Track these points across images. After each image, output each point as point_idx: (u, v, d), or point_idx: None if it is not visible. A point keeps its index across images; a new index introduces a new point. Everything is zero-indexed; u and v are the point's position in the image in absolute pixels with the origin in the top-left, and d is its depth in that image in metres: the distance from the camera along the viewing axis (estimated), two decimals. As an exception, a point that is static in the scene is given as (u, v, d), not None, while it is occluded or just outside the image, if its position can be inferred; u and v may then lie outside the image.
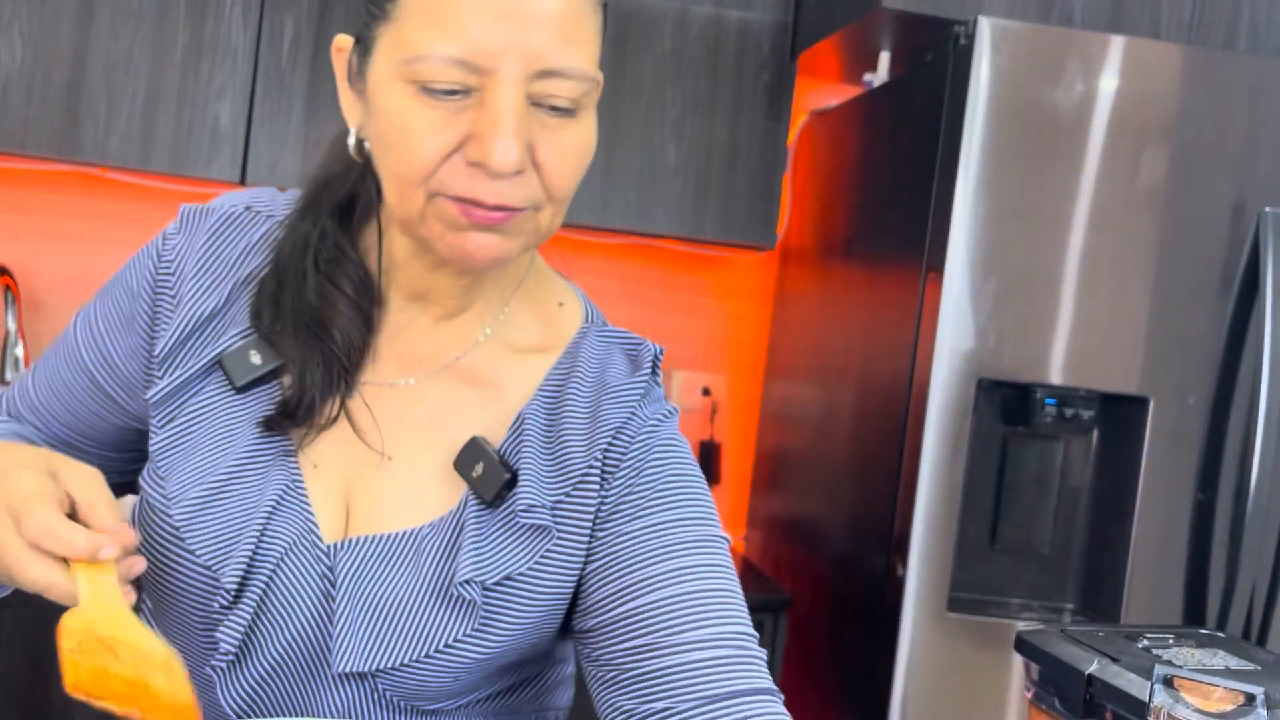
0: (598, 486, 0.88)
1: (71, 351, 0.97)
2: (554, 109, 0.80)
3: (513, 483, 0.87)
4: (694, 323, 2.81)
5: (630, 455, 0.89)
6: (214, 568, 0.85)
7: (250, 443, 0.89)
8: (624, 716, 0.84)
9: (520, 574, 0.86)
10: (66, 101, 2.18)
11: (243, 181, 2.26)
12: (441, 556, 0.87)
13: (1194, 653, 0.74)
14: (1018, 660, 1.88)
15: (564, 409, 0.90)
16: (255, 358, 0.89)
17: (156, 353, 0.90)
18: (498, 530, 0.87)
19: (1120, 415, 1.91)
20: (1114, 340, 1.87)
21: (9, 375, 2.35)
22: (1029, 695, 0.77)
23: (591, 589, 0.88)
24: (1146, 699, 0.65)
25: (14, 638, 1.96)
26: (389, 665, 0.84)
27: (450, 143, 0.78)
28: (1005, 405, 1.90)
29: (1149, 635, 0.75)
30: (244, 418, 0.90)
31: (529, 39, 0.77)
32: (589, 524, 0.88)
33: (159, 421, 0.90)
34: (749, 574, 2.44)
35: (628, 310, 2.77)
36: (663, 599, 0.84)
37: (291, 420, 0.88)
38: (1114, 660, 0.71)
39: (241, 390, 0.89)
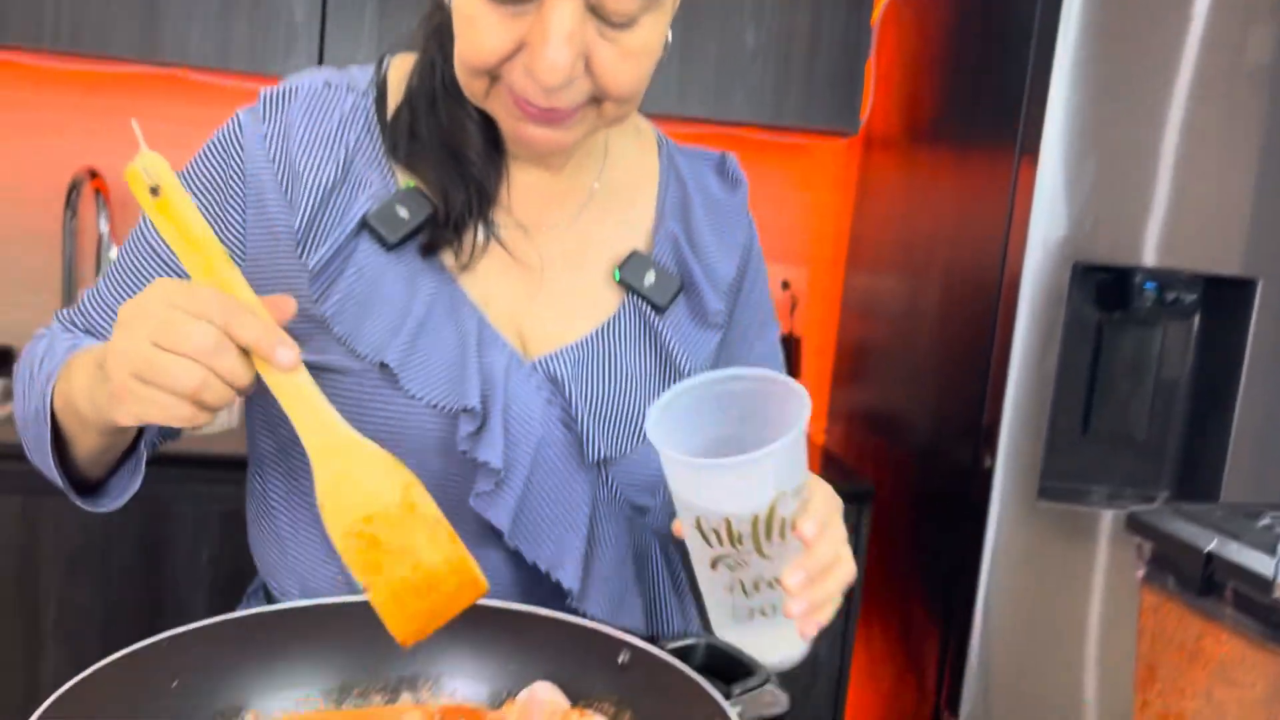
0: (737, 294, 1.05)
1: (153, 252, 0.96)
2: (612, 23, 0.82)
3: (681, 288, 0.99)
4: (773, 214, 2.76)
5: (749, 269, 1.07)
6: (442, 405, 0.90)
7: (427, 292, 0.92)
8: None
9: (703, 363, 1.01)
10: (144, 3, 2.18)
11: (319, 78, 2.25)
12: (634, 349, 0.98)
13: (1317, 531, 0.71)
14: (1105, 550, 1.86)
15: (692, 225, 1.03)
16: (402, 212, 0.92)
17: (294, 229, 0.91)
18: (670, 332, 0.99)
19: (1224, 298, 1.84)
20: (1217, 220, 1.79)
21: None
22: (1140, 575, 0.76)
23: None
24: (1272, 575, 0.63)
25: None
26: (630, 448, 0.95)
27: (507, 45, 0.82)
28: (1101, 290, 1.84)
29: (1271, 514, 0.73)
30: (405, 272, 0.93)
31: None
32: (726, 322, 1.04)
33: (316, 295, 0.91)
34: (830, 465, 2.44)
35: (706, 203, 2.73)
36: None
37: (442, 237, 0.92)
38: (1234, 538, 0.69)
39: (394, 248, 0.92)
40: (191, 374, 0.70)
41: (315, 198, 0.91)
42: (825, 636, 2.25)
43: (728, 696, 0.76)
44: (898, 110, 2.48)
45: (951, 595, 1.98)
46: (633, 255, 0.99)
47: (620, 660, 0.85)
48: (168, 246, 0.93)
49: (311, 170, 0.91)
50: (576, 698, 0.87)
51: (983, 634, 1.90)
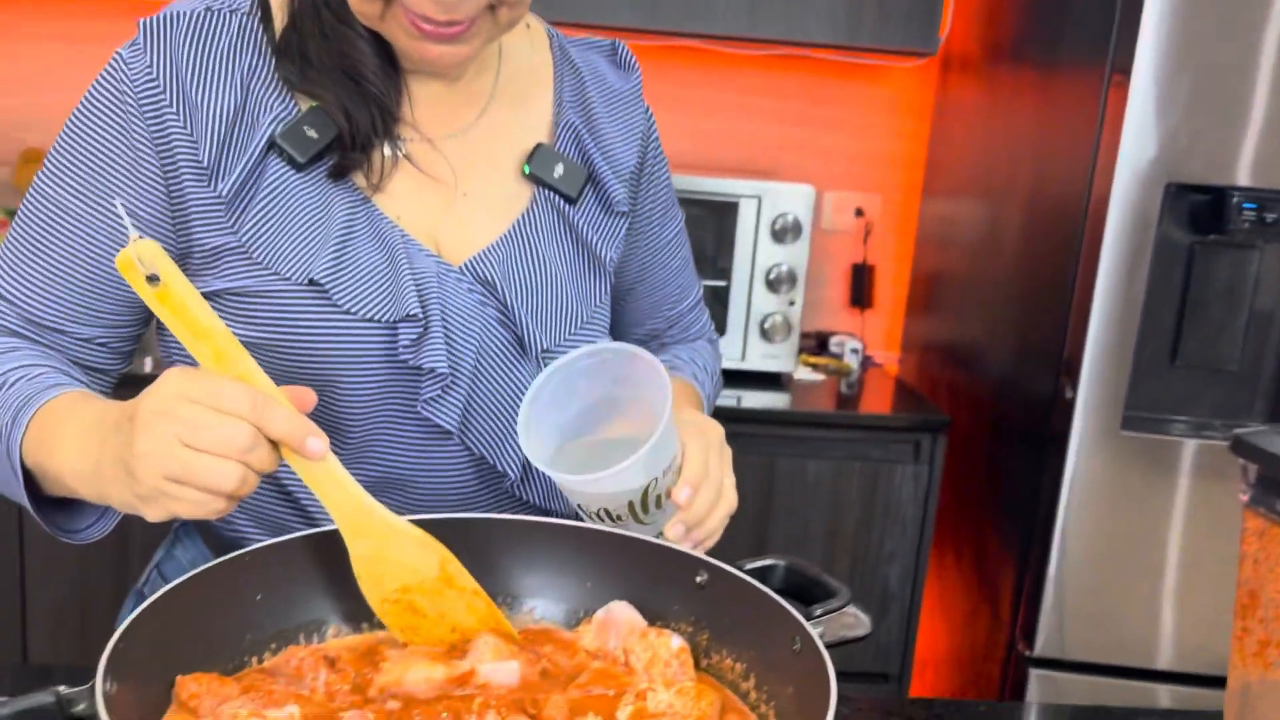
0: (639, 182, 1.08)
1: (61, 226, 0.90)
2: None
3: (589, 178, 1.02)
4: (846, 139, 2.69)
5: (648, 156, 1.09)
6: (381, 317, 0.91)
7: (343, 212, 0.92)
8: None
9: (615, 253, 1.05)
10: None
11: None
12: (552, 240, 1.00)
13: None
14: (1187, 482, 1.81)
15: (591, 114, 1.04)
16: (310, 131, 0.91)
17: (200, 161, 0.89)
18: (583, 221, 1.02)
19: (1325, 222, 1.75)
20: (1322, 140, 1.70)
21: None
22: (1244, 499, 0.73)
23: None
24: (1391, 498, 0.60)
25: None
26: (565, 337, 0.99)
27: None
28: (1195, 212, 1.76)
29: (1386, 435, 0.69)
30: (318, 195, 0.92)
31: None
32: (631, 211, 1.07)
33: (230, 222, 0.90)
34: (904, 395, 2.40)
35: (776, 127, 2.67)
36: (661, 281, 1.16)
37: (351, 160, 0.92)
38: (1348, 460, 0.65)
39: (303, 169, 0.91)
40: (231, 474, 0.70)
41: (218, 127, 0.89)
42: (896, 566, 2.24)
43: (808, 618, 0.75)
44: (977, 29, 2.39)
45: (1029, 526, 1.95)
46: (538, 149, 1.01)
47: (698, 580, 0.85)
48: (92, 219, 0.89)
49: (209, 100, 0.89)
50: (653, 618, 0.87)
51: (1059, 565, 1.87)
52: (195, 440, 0.69)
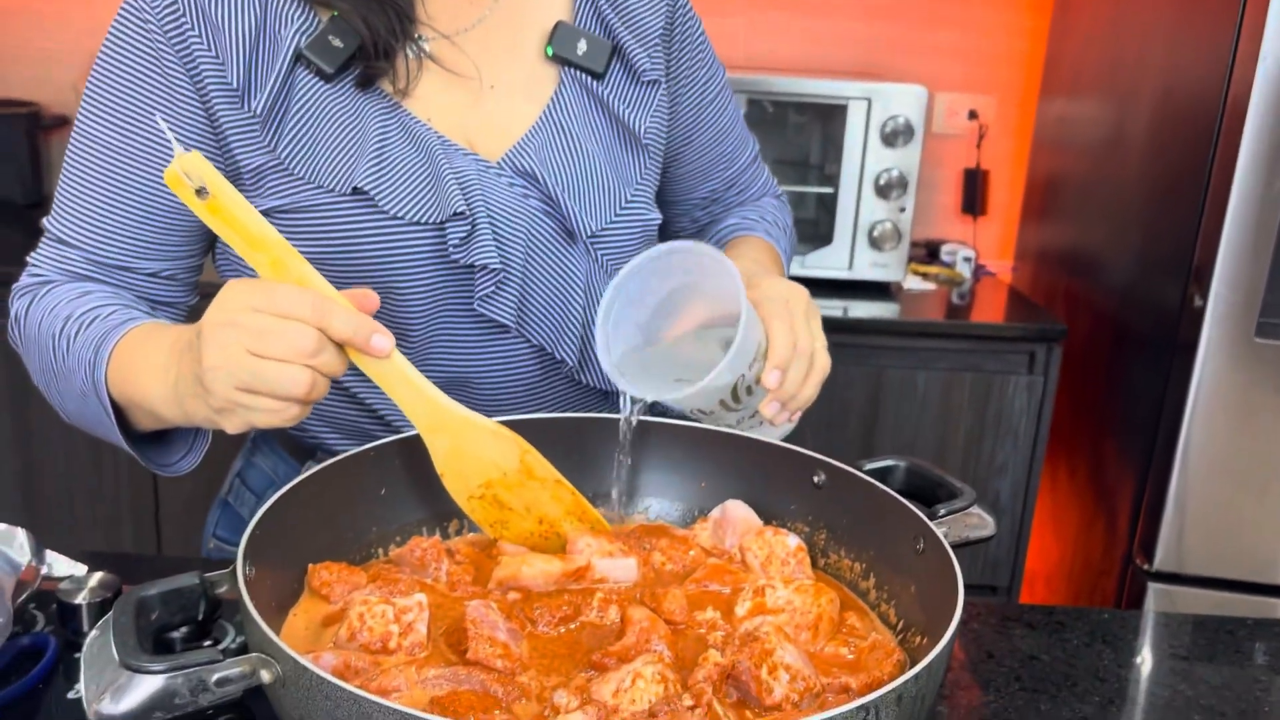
0: (669, 44, 1.05)
1: (108, 162, 0.91)
2: None
3: (614, 50, 1.00)
4: (959, 38, 2.57)
5: (678, 16, 1.05)
6: (427, 218, 0.91)
7: (375, 116, 0.92)
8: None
9: (653, 123, 1.02)
10: None
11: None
12: (584, 120, 0.99)
13: None
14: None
15: None
16: (335, 41, 0.90)
17: (230, 82, 0.88)
18: (613, 96, 1.00)
19: None
20: None
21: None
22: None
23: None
24: None
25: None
26: (612, 219, 0.98)
27: None
28: (1345, 107, 1.64)
29: None
30: (349, 105, 0.92)
31: None
32: (664, 76, 1.04)
33: (266, 141, 0.90)
34: (1018, 304, 2.33)
35: (886, 26, 2.57)
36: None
37: (376, 68, 0.91)
38: None
39: (332, 79, 0.91)
40: (300, 378, 0.70)
41: (242, 45, 0.88)
42: (1007, 478, 2.20)
43: (932, 518, 0.73)
44: (1108, -86, 2.24)
45: (1150, 438, 1.88)
46: (559, 27, 0.99)
47: (816, 480, 0.84)
48: (142, 148, 0.89)
49: (229, 19, 0.88)
50: (769, 517, 0.86)
51: (1181, 477, 1.81)
52: (261, 348, 0.69)
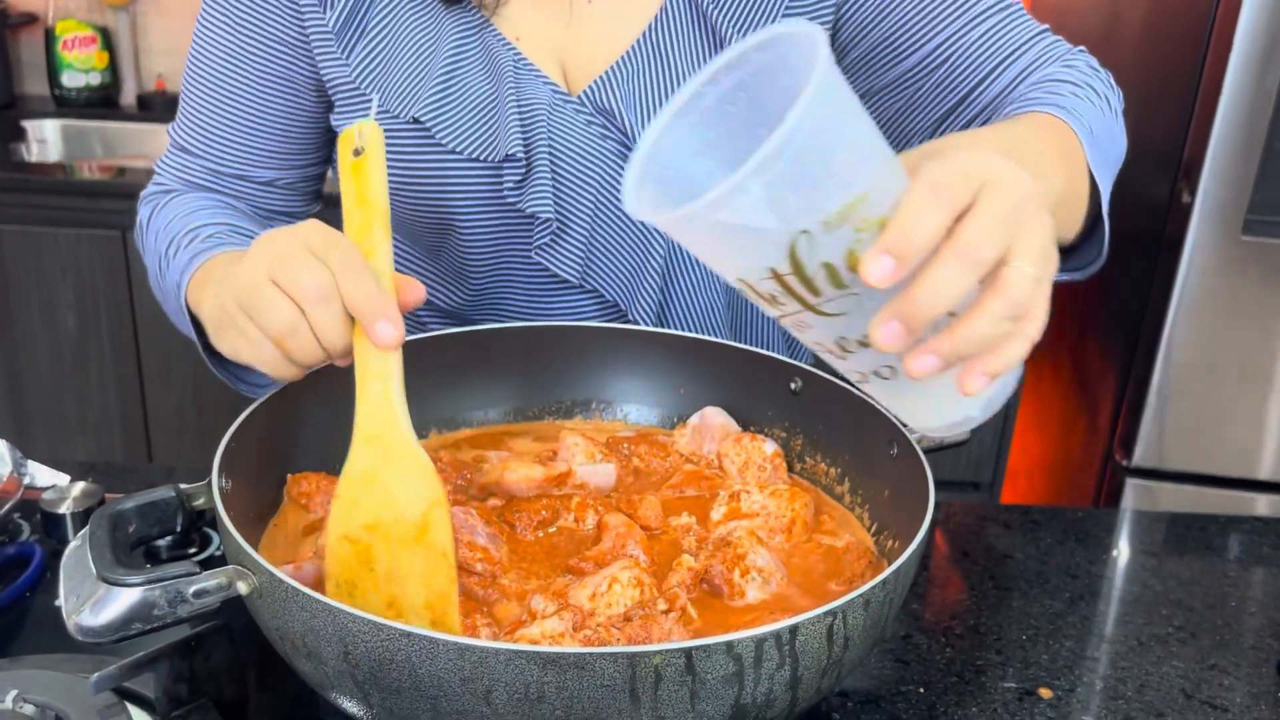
0: None
1: (226, 71, 0.91)
2: None
3: None
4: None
5: None
6: (482, 155, 0.86)
7: (453, 35, 0.87)
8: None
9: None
10: None
11: None
12: (686, 47, 0.86)
13: None
14: (1310, 292, 1.72)
15: None
16: None
17: None
18: (721, 15, 0.85)
19: None
20: None
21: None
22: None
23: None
24: None
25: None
26: None
27: None
28: (1343, -4, 1.61)
29: None
30: (430, 20, 0.87)
31: None
32: None
33: (344, 51, 0.87)
34: (1007, 203, 2.31)
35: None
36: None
37: None
38: None
39: None
40: (285, 315, 0.63)
41: None
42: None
43: (905, 424, 0.74)
44: None
45: (1133, 335, 1.89)
46: None
47: (792, 387, 0.84)
48: (253, 46, 0.87)
49: None
50: (747, 424, 0.87)
51: (1164, 373, 1.82)
52: (277, 274, 0.64)
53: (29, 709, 0.64)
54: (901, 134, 0.90)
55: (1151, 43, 1.91)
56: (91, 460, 1.04)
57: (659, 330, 0.90)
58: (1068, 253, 0.81)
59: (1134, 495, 1.90)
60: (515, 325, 0.89)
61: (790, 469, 0.84)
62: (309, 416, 0.80)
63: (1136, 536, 0.98)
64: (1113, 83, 0.86)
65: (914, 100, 0.88)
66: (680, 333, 0.89)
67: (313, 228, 0.65)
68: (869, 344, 0.51)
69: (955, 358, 0.51)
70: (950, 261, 0.48)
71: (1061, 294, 2.36)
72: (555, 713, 0.51)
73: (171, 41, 2.56)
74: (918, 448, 0.70)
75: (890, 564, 0.58)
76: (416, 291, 0.66)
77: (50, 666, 0.68)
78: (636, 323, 0.93)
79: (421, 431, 0.87)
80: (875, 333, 0.50)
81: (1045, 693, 0.75)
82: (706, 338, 0.89)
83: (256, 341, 0.65)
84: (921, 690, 0.75)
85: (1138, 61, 1.96)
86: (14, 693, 0.65)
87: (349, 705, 0.57)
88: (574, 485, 0.80)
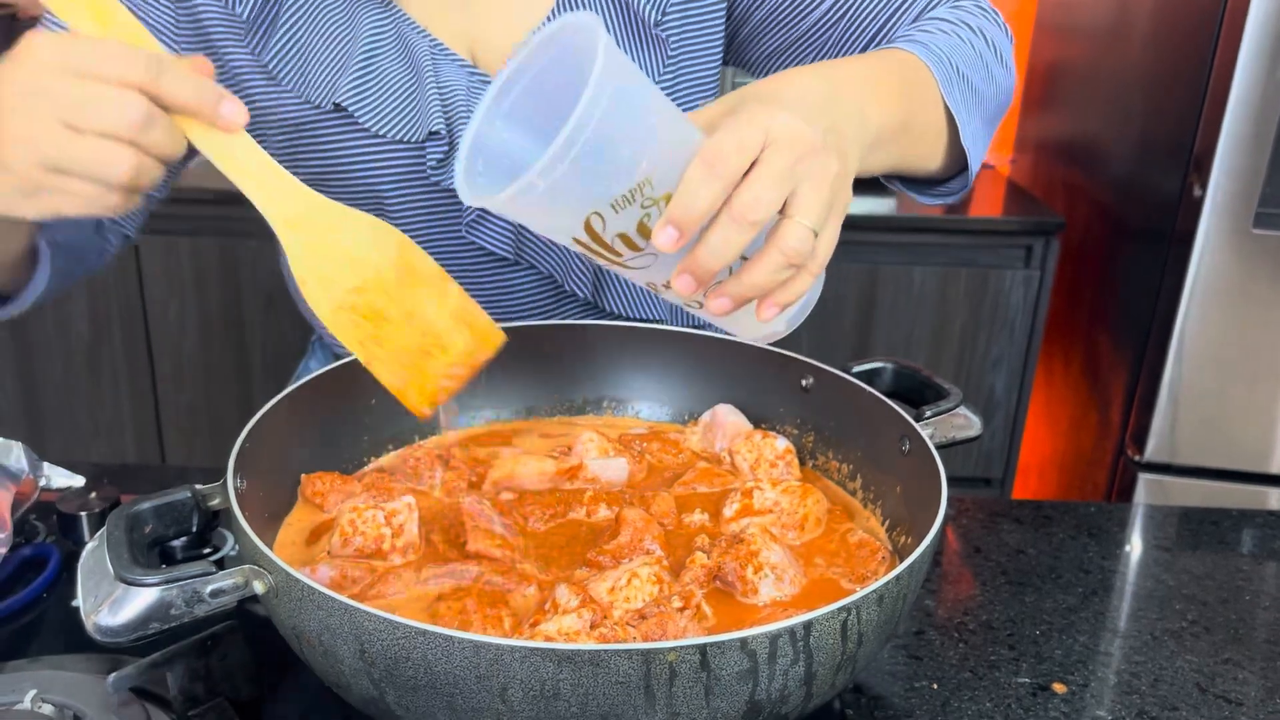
0: None
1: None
2: None
3: None
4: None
5: None
6: (405, 136, 0.87)
7: (369, 26, 0.87)
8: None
9: (675, 10, 0.87)
10: None
11: None
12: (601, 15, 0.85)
13: None
14: (1322, 285, 1.71)
15: None
16: None
17: None
18: None
19: None
20: None
21: None
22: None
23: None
24: None
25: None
26: None
27: None
28: (1354, -12, 1.60)
29: None
30: (342, 8, 0.87)
31: None
32: None
33: (257, 45, 0.86)
34: (1016, 197, 2.30)
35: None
36: None
37: None
38: None
39: None
40: (121, 158, 0.58)
41: None
42: (1002, 371, 2.21)
43: (918, 419, 0.74)
44: None
45: (1145, 330, 1.89)
46: None
47: (804, 384, 0.84)
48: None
49: None
50: (758, 421, 0.87)
51: (1175, 368, 1.82)
52: (78, 119, 0.58)
53: (47, 709, 0.65)
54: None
55: (1162, 35, 1.91)
56: (106, 462, 1.05)
57: (670, 328, 0.90)
58: (936, 180, 0.86)
59: (1146, 490, 1.89)
60: (526, 324, 0.89)
61: (802, 466, 0.84)
62: (322, 417, 0.80)
63: (1149, 531, 0.98)
64: (1002, 22, 0.90)
65: (825, 52, 0.91)
66: (691, 330, 0.90)
67: (68, 49, 0.58)
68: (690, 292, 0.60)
69: (744, 300, 0.60)
70: (726, 224, 0.56)
71: (1073, 289, 2.36)
72: (570, 709, 0.51)
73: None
74: (930, 444, 0.70)
75: (903, 560, 0.58)
76: (205, 64, 0.63)
77: (68, 666, 0.69)
78: (573, 295, 0.95)
79: (434, 429, 0.88)
80: (674, 283, 0.59)
81: (1059, 688, 0.75)
82: (718, 335, 0.89)
83: (91, 194, 0.60)
84: (935, 686, 0.75)
85: (1148, 54, 1.95)
86: (33, 692, 0.65)
87: (365, 703, 0.57)
88: (585, 479, 0.81)
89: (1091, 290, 2.18)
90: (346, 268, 0.67)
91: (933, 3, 0.89)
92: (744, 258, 0.59)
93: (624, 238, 0.59)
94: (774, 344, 0.77)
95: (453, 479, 0.81)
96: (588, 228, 0.58)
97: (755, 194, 0.55)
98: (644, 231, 0.58)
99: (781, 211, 0.57)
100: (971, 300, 2.16)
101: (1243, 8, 1.62)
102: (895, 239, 2.14)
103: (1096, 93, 2.17)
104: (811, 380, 0.84)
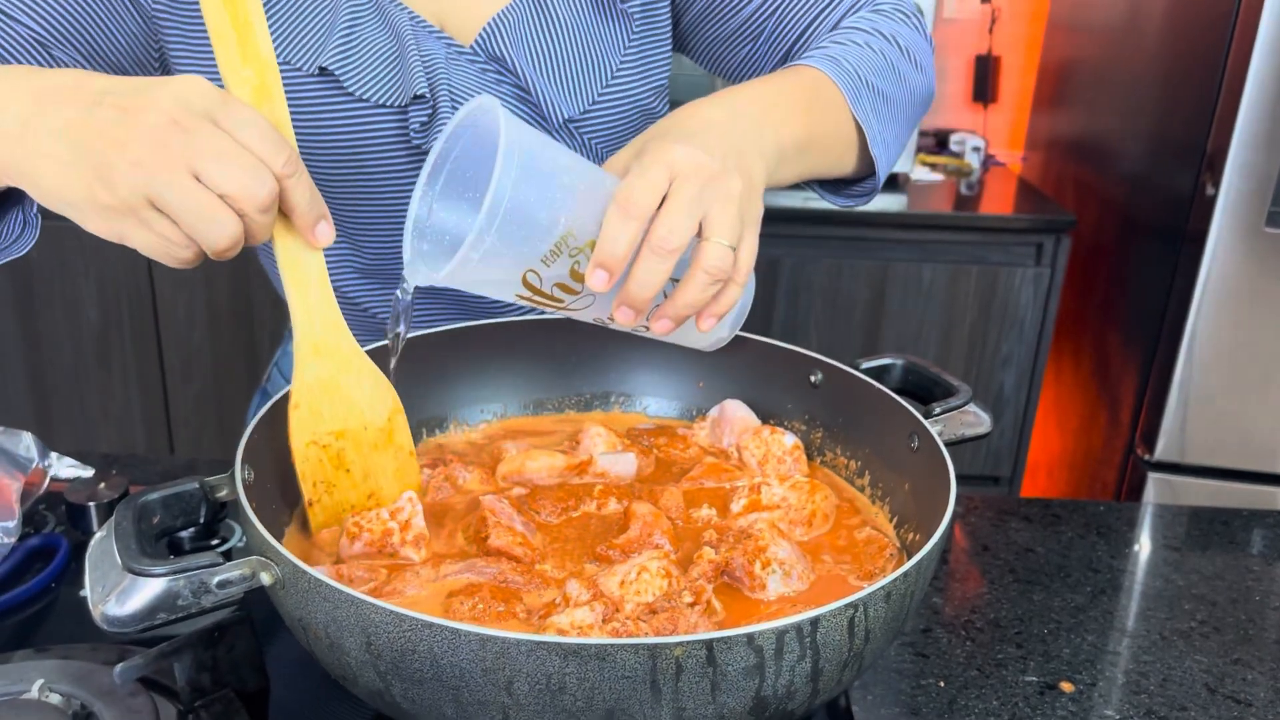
0: None
1: None
2: None
3: None
4: (975, -83, 2.48)
5: None
6: (390, 100, 0.87)
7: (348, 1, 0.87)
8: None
9: None
10: None
11: None
12: None
13: None
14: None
15: None
16: None
17: None
18: None
19: None
20: None
21: None
22: None
23: None
24: None
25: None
26: (594, 100, 0.90)
27: None
28: (1369, -14, 1.59)
29: None
30: None
31: None
32: None
33: None
34: (1027, 195, 2.30)
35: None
36: None
37: None
38: None
39: None
40: (229, 223, 0.58)
41: None
42: (1011, 369, 2.20)
43: (927, 416, 0.73)
44: None
45: (1156, 329, 1.88)
46: None
47: (812, 380, 0.84)
48: None
49: None
50: (767, 416, 0.87)
51: (1185, 368, 1.81)
52: (209, 173, 0.57)
53: (55, 698, 0.65)
54: (755, 74, 0.97)
55: (1174, 35, 1.90)
56: (114, 453, 1.05)
57: (678, 323, 0.90)
58: (850, 182, 0.91)
59: (1156, 489, 1.89)
60: (534, 318, 0.89)
61: (810, 461, 0.84)
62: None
63: (1158, 531, 0.97)
64: (920, 23, 0.93)
65: (759, 45, 0.96)
66: (700, 326, 0.89)
67: (221, 102, 0.59)
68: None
69: (683, 318, 0.66)
70: (649, 257, 0.62)
71: (1084, 287, 2.36)
72: (576, 703, 0.51)
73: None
74: (939, 441, 0.69)
75: (911, 557, 0.58)
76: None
77: (76, 656, 0.69)
78: None
79: (440, 425, 0.88)
80: (616, 315, 0.65)
81: (1067, 687, 0.75)
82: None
83: (178, 244, 0.59)
84: (942, 684, 0.75)
85: (1160, 54, 1.94)
86: (40, 682, 0.65)
87: (370, 695, 0.57)
88: (594, 474, 0.81)
89: (1102, 289, 2.17)
90: (340, 410, 0.70)
91: (855, 5, 0.93)
92: (675, 280, 0.65)
93: (561, 285, 0.65)
94: (783, 340, 0.84)
95: (440, 477, 0.81)
96: (525, 283, 0.64)
97: (670, 225, 0.61)
98: (577, 277, 0.64)
99: (699, 235, 0.63)
100: (981, 298, 2.16)
101: (1257, 5, 1.61)
102: (905, 236, 2.14)
103: (1108, 91, 2.16)
104: (820, 376, 0.83)
